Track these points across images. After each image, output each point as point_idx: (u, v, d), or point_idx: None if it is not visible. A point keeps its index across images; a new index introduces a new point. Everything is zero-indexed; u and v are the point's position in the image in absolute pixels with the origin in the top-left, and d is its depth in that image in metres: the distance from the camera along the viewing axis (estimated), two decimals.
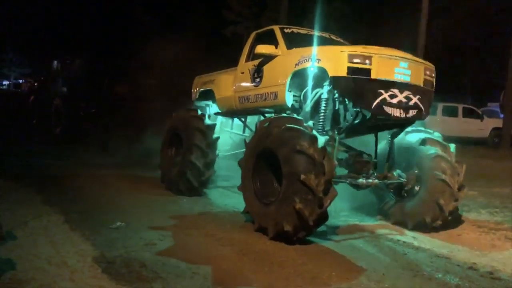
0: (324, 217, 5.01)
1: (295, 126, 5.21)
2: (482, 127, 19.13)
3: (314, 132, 5.17)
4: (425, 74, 5.84)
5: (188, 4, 23.30)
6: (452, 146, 6.09)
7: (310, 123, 5.44)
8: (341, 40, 7.41)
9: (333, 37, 7.42)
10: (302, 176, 4.81)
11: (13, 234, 4.56)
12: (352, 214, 6.68)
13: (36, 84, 20.80)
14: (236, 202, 6.06)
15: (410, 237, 5.65)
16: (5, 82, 56.60)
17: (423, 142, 6.00)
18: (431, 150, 5.91)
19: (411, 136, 6.13)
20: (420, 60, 6.06)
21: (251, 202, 5.64)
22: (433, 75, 6.01)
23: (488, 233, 5.89)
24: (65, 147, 12.75)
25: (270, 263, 4.40)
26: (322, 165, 4.91)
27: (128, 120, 13.87)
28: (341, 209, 6.79)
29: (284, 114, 5.73)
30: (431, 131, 6.15)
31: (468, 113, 19.34)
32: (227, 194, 7.51)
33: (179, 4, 23.06)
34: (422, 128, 6.09)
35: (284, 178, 5.11)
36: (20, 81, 53.88)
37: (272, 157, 5.44)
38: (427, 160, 5.89)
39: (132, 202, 6.58)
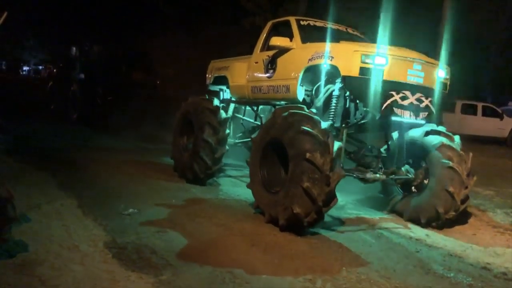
0: (332, 196, 4.99)
1: (298, 111, 5.32)
2: (502, 127, 18.81)
3: (317, 117, 5.25)
4: (439, 76, 5.83)
5: None
6: (457, 137, 6.05)
7: (313, 109, 5.57)
8: (358, 34, 7.34)
9: (349, 30, 7.35)
10: (308, 155, 4.85)
11: (27, 216, 4.62)
12: (363, 208, 6.64)
13: (55, 70, 20.98)
14: (247, 192, 6.05)
15: (423, 234, 5.59)
16: (26, 68, 57.46)
17: (427, 133, 5.99)
18: (436, 140, 5.89)
19: (414, 131, 6.10)
20: (435, 61, 6.04)
21: (260, 194, 5.66)
22: (447, 77, 6.01)
23: (504, 233, 5.81)
24: (81, 133, 12.86)
25: (280, 254, 4.40)
26: (326, 144, 4.95)
27: (145, 107, 13.97)
28: (350, 202, 6.78)
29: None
30: (434, 124, 6.12)
31: (488, 112, 19.02)
32: (239, 184, 7.50)
33: None
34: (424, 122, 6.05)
35: (291, 161, 5.15)
36: (40, 67, 54.63)
37: (278, 147, 5.49)
38: (433, 150, 5.87)
39: (145, 189, 6.61)
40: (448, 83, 6.07)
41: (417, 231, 5.70)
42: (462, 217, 6.06)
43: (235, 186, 7.45)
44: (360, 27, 7.87)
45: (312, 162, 4.84)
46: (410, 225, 5.94)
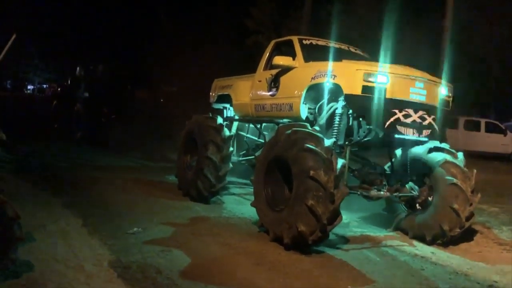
0: (337, 214, 4.99)
1: (302, 129, 5.36)
2: (505, 143, 18.78)
3: (320, 135, 5.28)
4: (441, 94, 5.91)
5: (210, 13, 23.54)
6: (460, 154, 6.05)
7: (316, 127, 5.60)
8: (360, 52, 7.43)
9: (352, 49, 7.45)
10: (312, 172, 4.87)
11: (32, 236, 4.63)
12: (368, 225, 6.61)
13: (59, 89, 21.19)
14: (252, 210, 6.05)
15: (428, 252, 5.55)
16: (30, 87, 57.98)
17: (431, 150, 6.00)
18: (439, 157, 5.90)
19: (418, 148, 6.11)
20: (437, 79, 6.11)
21: (264, 212, 5.66)
22: (450, 94, 6.09)
23: (510, 251, 5.75)
24: (85, 151, 12.92)
25: (285, 274, 4.38)
26: (330, 161, 4.98)
27: (148, 125, 14.07)
28: (354, 220, 6.76)
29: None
30: (437, 141, 6.14)
31: (491, 128, 19.02)
32: (243, 202, 7.49)
33: (202, 13, 23.30)
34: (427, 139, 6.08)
35: (295, 178, 5.16)
36: (44, 86, 55.14)
37: (282, 165, 5.52)
38: (437, 167, 5.87)
39: (149, 207, 6.62)
40: (451, 100, 6.12)
41: (422, 249, 5.66)
42: (467, 235, 6.03)
43: (240, 204, 7.45)
44: (362, 45, 7.94)
45: (316, 179, 4.86)
46: (415, 242, 5.90)
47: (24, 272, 3.75)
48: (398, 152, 6.32)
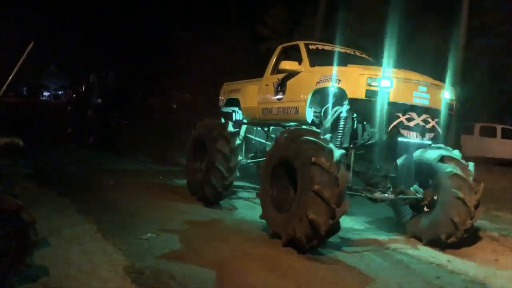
0: (343, 197, 5.02)
1: (298, 128, 5.62)
2: None
3: (317, 129, 5.50)
4: (444, 97, 5.97)
5: (223, 20, 23.68)
6: (456, 151, 6.09)
7: (319, 130, 5.77)
8: (366, 57, 7.50)
9: (357, 53, 7.53)
10: (313, 159, 4.99)
11: (48, 241, 4.67)
12: (381, 231, 6.55)
13: (74, 95, 21.45)
14: None
15: (444, 259, 5.48)
16: (46, 93, 58.79)
17: (427, 146, 6.04)
18: (436, 153, 5.92)
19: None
20: (440, 83, 6.18)
21: (273, 218, 5.69)
22: (453, 98, 6.17)
23: None
24: (97, 156, 13.04)
25: (298, 280, 4.36)
26: (330, 149, 5.11)
27: (160, 131, 14.17)
28: (367, 225, 6.71)
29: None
30: (442, 144, 6.19)
31: (507, 134, 18.75)
32: (254, 207, 7.47)
33: (215, 20, 23.44)
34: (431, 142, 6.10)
35: (298, 171, 5.27)
36: (59, 92, 55.86)
37: (285, 167, 5.66)
38: (435, 162, 5.87)
39: (163, 213, 6.64)
40: (455, 104, 6.21)
41: (438, 256, 5.59)
42: (483, 242, 5.96)
43: (251, 209, 7.43)
44: (375, 51, 7.93)
45: (319, 164, 4.95)
46: (430, 249, 5.82)
47: (39, 276, 3.78)
48: (404, 155, 6.29)
